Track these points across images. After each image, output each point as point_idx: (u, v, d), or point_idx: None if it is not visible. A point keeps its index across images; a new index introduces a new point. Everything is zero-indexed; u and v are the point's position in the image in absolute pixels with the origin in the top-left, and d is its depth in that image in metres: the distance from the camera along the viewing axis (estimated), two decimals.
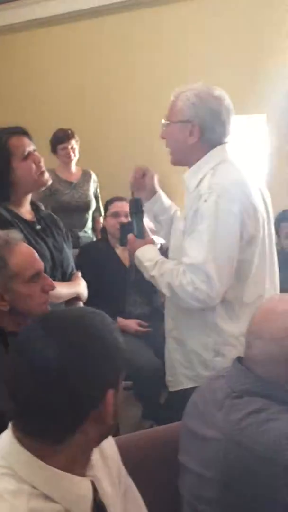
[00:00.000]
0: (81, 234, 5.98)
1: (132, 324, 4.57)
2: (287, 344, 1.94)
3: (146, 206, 3.27)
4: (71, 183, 6.07)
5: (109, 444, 1.80)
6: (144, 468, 2.18)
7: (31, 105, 8.39)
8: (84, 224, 6.05)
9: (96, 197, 6.14)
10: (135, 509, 1.84)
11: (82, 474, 1.58)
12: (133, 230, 3.15)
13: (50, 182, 3.13)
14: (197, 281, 2.76)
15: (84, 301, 3.34)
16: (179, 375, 3.02)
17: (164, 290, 2.89)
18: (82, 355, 1.50)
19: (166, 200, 3.32)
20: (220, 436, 1.94)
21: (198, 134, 2.87)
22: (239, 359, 2.05)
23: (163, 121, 2.97)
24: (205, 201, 2.77)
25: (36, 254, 2.60)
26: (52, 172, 6.10)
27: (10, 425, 1.57)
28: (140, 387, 4.15)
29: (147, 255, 3.00)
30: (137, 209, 3.16)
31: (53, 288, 2.59)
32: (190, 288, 2.77)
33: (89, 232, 6.07)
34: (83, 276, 4.70)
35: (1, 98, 8.91)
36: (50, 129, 6.30)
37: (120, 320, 4.61)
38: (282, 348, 1.94)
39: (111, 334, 1.58)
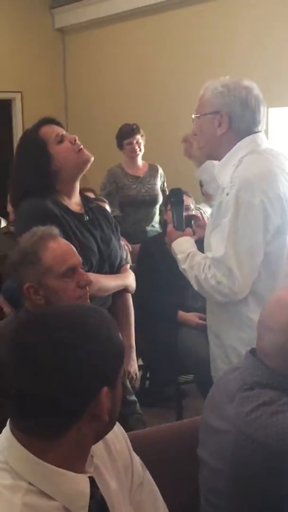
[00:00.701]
0: (148, 228, 5.99)
1: (192, 317, 4.55)
2: None
3: (198, 174, 3.21)
4: (137, 177, 6.08)
5: (117, 438, 1.79)
6: (165, 462, 2.17)
7: (100, 100, 8.47)
8: (151, 218, 6.05)
9: (163, 191, 6.13)
10: (151, 501, 1.83)
11: (81, 471, 1.57)
12: (173, 222, 3.12)
13: (92, 158, 3.02)
14: (218, 275, 2.74)
15: (132, 292, 3.33)
16: (220, 370, 2.98)
17: (193, 283, 2.88)
18: (75, 352, 1.49)
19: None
20: (231, 428, 1.91)
21: (227, 123, 2.83)
22: (252, 351, 2.01)
23: (193, 115, 2.95)
24: (227, 194, 2.76)
25: (73, 249, 2.61)
26: (119, 167, 6.14)
27: (9, 420, 1.59)
28: (201, 379, 4.12)
29: (181, 247, 2.98)
30: (176, 200, 3.14)
31: (89, 283, 2.59)
32: (213, 282, 2.76)
33: (157, 226, 6.06)
34: (143, 270, 4.74)
35: (72, 95, 9.04)
36: (117, 124, 6.34)
37: (181, 313, 4.60)
38: None
39: (107, 332, 1.56)
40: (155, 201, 6.06)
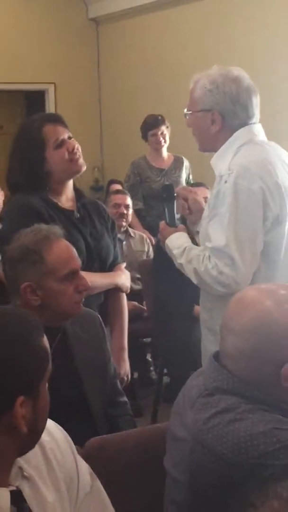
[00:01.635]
0: None
1: None
2: (256, 338, 1.77)
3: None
4: (162, 170, 5.99)
5: (59, 448, 1.71)
6: (132, 470, 2.09)
7: (133, 91, 8.39)
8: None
9: (189, 184, 6.03)
10: (99, 511, 1.75)
11: (1, 484, 1.50)
12: (165, 218, 3.04)
13: (83, 168, 3.07)
14: (220, 265, 2.67)
15: (127, 292, 3.26)
16: None
17: (191, 277, 2.80)
18: None
19: None
20: (188, 436, 1.81)
21: (220, 121, 2.79)
22: (215, 354, 1.90)
23: (185, 110, 2.91)
24: (225, 182, 2.70)
25: (74, 252, 2.58)
26: (143, 159, 6.06)
27: None
28: None
29: (176, 243, 2.90)
30: (168, 196, 3.06)
31: (87, 288, 2.56)
32: (215, 273, 2.68)
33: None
34: (160, 265, 4.65)
35: (105, 85, 8.97)
36: (144, 114, 6.27)
37: (197, 308, 4.51)
38: (251, 343, 1.77)
39: (23, 338, 1.49)
40: None
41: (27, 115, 9.14)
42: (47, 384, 1.55)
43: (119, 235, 5.55)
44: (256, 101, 2.83)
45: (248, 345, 1.78)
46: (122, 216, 5.48)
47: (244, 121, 2.80)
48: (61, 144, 2.99)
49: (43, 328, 1.56)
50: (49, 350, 1.54)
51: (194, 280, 2.81)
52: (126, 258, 5.55)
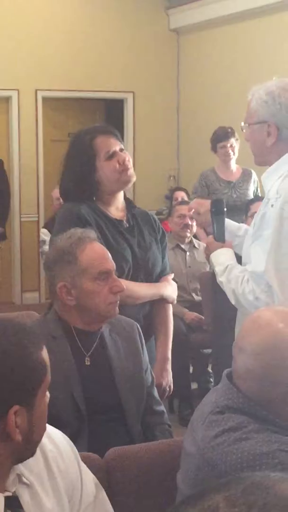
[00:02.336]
0: None
1: None
2: (266, 359, 1.79)
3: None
4: (229, 182, 5.99)
5: (62, 456, 1.74)
6: (147, 483, 2.12)
7: (211, 102, 8.40)
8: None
9: (257, 197, 6.00)
10: None
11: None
12: (213, 232, 3.05)
13: (133, 179, 3.11)
14: (258, 290, 2.63)
15: (173, 303, 3.28)
16: None
17: (230, 296, 2.78)
18: None
19: (232, 224, 3.16)
20: (196, 452, 1.84)
21: (275, 133, 2.73)
22: (229, 373, 1.92)
23: (242, 123, 2.89)
24: (272, 206, 2.65)
25: (108, 254, 2.65)
26: (212, 171, 6.08)
27: None
28: None
29: (219, 259, 2.89)
30: (217, 210, 3.05)
31: (121, 290, 2.62)
32: (251, 297, 2.65)
33: None
34: None
35: (184, 96, 9.01)
36: (215, 126, 6.29)
37: None
38: (261, 363, 1.79)
39: (18, 349, 1.53)
40: (247, 206, 5.94)
41: (107, 122, 9.30)
42: (47, 396, 1.59)
43: (183, 246, 5.62)
44: None
45: (258, 365, 1.79)
46: (187, 226, 5.52)
47: None
48: (112, 155, 3.04)
49: (43, 340, 1.61)
50: (47, 362, 1.57)
51: (232, 300, 2.78)
52: (190, 269, 5.60)
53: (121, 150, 3.09)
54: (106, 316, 2.63)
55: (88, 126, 3.26)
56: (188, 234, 5.53)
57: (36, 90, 8.47)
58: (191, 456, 1.87)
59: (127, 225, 3.13)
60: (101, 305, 2.57)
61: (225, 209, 3.08)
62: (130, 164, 3.08)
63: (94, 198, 3.08)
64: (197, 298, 5.57)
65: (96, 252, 2.61)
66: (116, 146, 3.08)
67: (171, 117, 9.02)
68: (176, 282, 3.36)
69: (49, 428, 1.67)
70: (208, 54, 8.54)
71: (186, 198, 6.37)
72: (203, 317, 5.39)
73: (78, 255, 2.56)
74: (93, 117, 9.12)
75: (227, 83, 8.18)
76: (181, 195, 6.64)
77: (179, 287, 5.67)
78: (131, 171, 3.08)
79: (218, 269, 2.86)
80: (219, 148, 6.00)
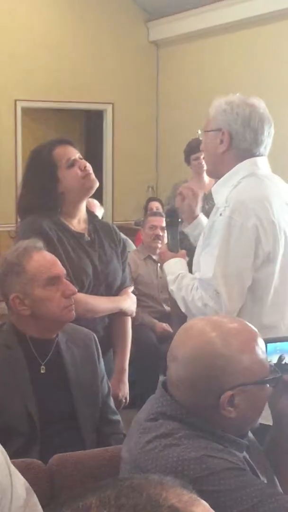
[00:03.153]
0: None
1: None
2: (197, 368, 1.82)
3: (188, 231, 3.19)
4: (202, 193, 6.03)
5: None
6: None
7: (191, 113, 8.46)
8: None
9: None
10: None
11: None
12: (167, 243, 3.09)
13: (96, 185, 3.11)
14: (206, 297, 2.66)
15: (132, 316, 3.31)
16: None
17: (180, 304, 2.81)
18: None
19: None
20: (129, 457, 1.87)
21: (228, 141, 2.77)
22: (163, 381, 1.95)
23: (199, 131, 2.94)
24: (220, 215, 2.68)
25: (56, 260, 2.67)
26: (185, 183, 6.11)
27: None
28: None
29: (171, 269, 2.92)
30: (172, 221, 3.09)
31: (74, 292, 2.65)
32: (200, 304, 2.68)
33: None
34: None
35: (163, 107, 9.08)
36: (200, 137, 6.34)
37: None
38: (193, 372, 1.82)
39: None
40: None
41: (86, 133, 9.36)
42: None
43: (154, 257, 5.65)
44: (269, 130, 2.80)
45: (189, 373, 1.82)
46: (158, 237, 5.56)
47: (251, 147, 2.77)
48: (72, 163, 3.06)
49: None
50: None
51: (182, 308, 2.81)
52: (161, 280, 5.63)
53: (80, 158, 3.12)
54: (62, 321, 2.65)
55: (44, 142, 3.25)
56: (159, 245, 5.57)
57: (15, 101, 8.51)
58: (125, 462, 1.90)
59: (89, 238, 3.15)
60: (56, 310, 2.60)
61: (180, 220, 3.12)
62: (91, 169, 3.10)
63: (60, 211, 3.08)
64: (168, 308, 5.60)
65: (43, 259, 2.63)
66: (75, 154, 3.10)
67: (150, 129, 9.09)
68: (136, 294, 3.39)
69: None
70: (187, 66, 8.62)
71: (160, 209, 6.41)
72: (171, 329, 5.42)
73: (25, 264, 2.59)
74: (72, 128, 9.18)
75: (206, 96, 8.20)
76: (155, 205, 6.68)
77: (150, 298, 5.74)
78: (93, 176, 3.09)
79: (169, 278, 2.90)
80: (193, 159, 6.03)
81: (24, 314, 2.59)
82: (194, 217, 3.17)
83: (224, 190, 2.76)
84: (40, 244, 2.71)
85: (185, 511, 0.87)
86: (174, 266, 2.93)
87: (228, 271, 2.64)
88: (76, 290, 2.68)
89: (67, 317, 2.64)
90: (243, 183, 2.73)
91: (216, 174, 2.89)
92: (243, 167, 2.77)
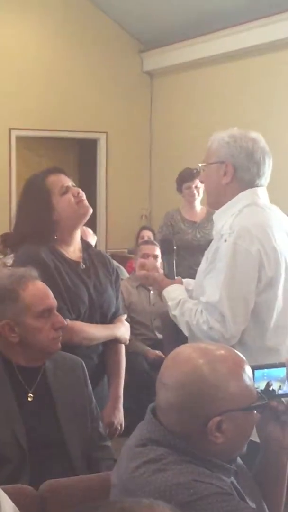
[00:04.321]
0: None
1: None
2: (185, 394, 1.85)
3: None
4: (194, 222, 6.09)
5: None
6: None
7: (184, 143, 8.55)
8: None
9: None
10: None
11: None
12: (164, 271, 3.14)
13: (90, 211, 3.13)
14: (211, 320, 2.73)
15: (126, 344, 3.34)
16: None
17: (184, 329, 2.87)
18: None
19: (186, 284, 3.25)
20: (118, 483, 1.89)
21: (231, 173, 2.86)
22: (152, 407, 1.98)
23: (200, 164, 3.00)
24: (225, 241, 2.77)
25: (49, 292, 2.70)
26: (177, 211, 6.18)
27: None
28: None
29: (171, 295, 2.98)
30: (167, 249, 3.16)
31: (63, 326, 2.68)
32: (205, 327, 2.75)
33: None
34: None
35: (157, 137, 9.16)
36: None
37: None
38: (181, 398, 1.85)
39: None
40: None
41: (80, 162, 9.43)
42: None
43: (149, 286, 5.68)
44: (269, 163, 2.91)
45: (177, 399, 1.86)
46: (144, 266, 5.60)
47: (254, 178, 2.87)
48: (66, 190, 3.08)
49: None
50: None
51: (186, 332, 2.87)
52: (153, 307, 5.66)
53: (73, 185, 3.15)
54: (49, 352, 2.69)
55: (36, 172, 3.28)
56: (148, 272, 5.59)
57: (10, 129, 8.59)
58: (114, 487, 1.93)
59: (84, 267, 3.17)
60: (44, 341, 2.63)
61: (174, 248, 3.18)
62: (84, 196, 3.13)
63: (55, 237, 3.10)
64: (160, 336, 5.62)
65: (38, 289, 2.66)
66: (68, 182, 3.13)
67: (144, 158, 9.16)
68: (128, 322, 3.43)
69: None
70: (180, 96, 8.72)
71: (152, 237, 6.46)
72: (164, 356, 5.44)
73: (20, 293, 2.61)
74: (66, 156, 9.25)
75: (199, 125, 8.33)
76: (147, 234, 6.74)
77: (142, 325, 5.76)
78: (86, 202, 3.12)
79: (171, 303, 2.94)
80: (184, 188, 6.11)
81: (12, 341, 2.63)
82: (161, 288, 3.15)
83: (225, 218, 2.86)
84: (35, 273, 2.73)
85: None
86: (174, 292, 2.99)
87: (234, 294, 2.72)
88: (65, 323, 2.71)
89: (54, 348, 2.68)
90: (245, 211, 2.82)
91: (217, 205, 2.97)
92: (245, 196, 2.86)
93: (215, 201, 2.98)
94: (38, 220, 3.08)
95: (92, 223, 7.90)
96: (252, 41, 7.62)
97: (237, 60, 7.87)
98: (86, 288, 3.12)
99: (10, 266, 5.25)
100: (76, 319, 3.02)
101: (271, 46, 7.40)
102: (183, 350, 1.95)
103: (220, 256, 2.76)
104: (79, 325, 3.02)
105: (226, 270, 2.72)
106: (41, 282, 2.71)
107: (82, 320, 3.07)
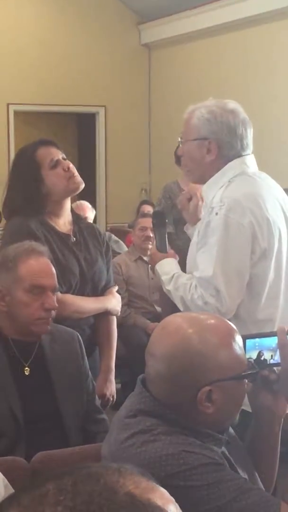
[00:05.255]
0: None
1: None
2: (175, 364, 1.83)
3: (189, 232, 3.20)
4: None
5: None
6: None
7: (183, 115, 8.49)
8: None
9: None
10: None
11: None
12: (156, 244, 3.11)
13: (82, 186, 3.11)
14: (206, 295, 2.68)
15: (117, 315, 3.33)
16: None
17: (178, 304, 2.82)
18: None
19: None
20: (108, 454, 1.88)
21: (215, 151, 2.81)
22: (142, 378, 1.97)
23: (179, 139, 2.95)
24: (216, 214, 2.71)
25: (51, 271, 2.68)
26: (175, 184, 6.12)
27: None
28: None
29: (164, 269, 2.93)
30: (159, 222, 3.11)
31: (53, 308, 2.65)
32: (200, 303, 2.70)
33: None
34: None
35: (155, 110, 9.10)
36: None
37: None
38: (170, 368, 1.83)
39: None
40: None
41: (79, 136, 9.38)
42: None
43: (145, 258, 5.67)
44: (250, 133, 2.85)
45: (167, 369, 1.84)
46: (148, 239, 5.58)
47: (239, 152, 2.82)
48: (56, 164, 3.06)
49: None
50: None
51: (180, 307, 2.81)
52: (152, 281, 5.64)
53: (64, 159, 3.13)
54: (33, 331, 2.65)
55: (28, 143, 3.25)
56: (150, 246, 5.59)
57: (8, 104, 8.54)
58: (104, 458, 1.92)
59: (74, 239, 3.16)
60: (29, 317, 2.61)
61: (166, 221, 3.14)
62: (75, 170, 3.10)
63: (46, 211, 3.08)
64: (159, 309, 5.61)
65: (37, 265, 2.64)
66: (58, 155, 3.10)
67: (143, 131, 9.11)
68: (120, 295, 3.41)
69: None
70: (179, 68, 8.65)
71: (151, 211, 6.41)
72: None
73: (18, 264, 2.61)
74: (64, 131, 9.20)
75: (198, 98, 8.22)
76: (147, 208, 6.70)
77: (141, 299, 5.75)
78: (78, 178, 3.10)
79: (164, 278, 2.90)
80: (179, 156, 6.05)
81: (2, 310, 2.63)
82: (198, 219, 3.18)
83: (215, 189, 2.80)
84: (43, 248, 2.72)
85: (142, 498, 0.88)
86: (167, 266, 2.94)
87: (228, 269, 2.68)
88: (56, 305, 2.67)
89: (39, 328, 2.64)
90: (235, 182, 2.77)
91: (202, 181, 2.90)
92: (233, 166, 2.81)
93: (199, 178, 2.90)
94: (27, 192, 3.06)
95: (91, 197, 7.88)
96: (250, 11, 7.55)
97: (235, 31, 7.80)
98: (76, 261, 3.11)
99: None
100: (67, 292, 3.01)
101: (269, 16, 7.32)
102: (173, 319, 1.93)
103: (212, 229, 2.71)
104: (70, 298, 3.01)
105: (218, 244, 2.67)
106: (45, 259, 2.69)
107: (73, 293, 3.06)
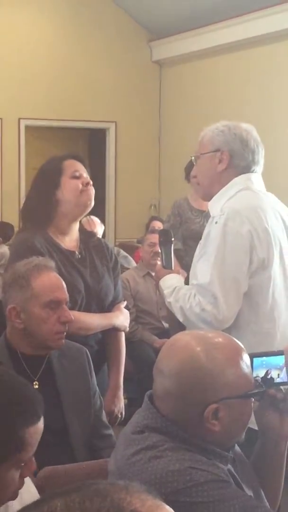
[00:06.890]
0: None
1: None
2: (182, 381, 1.85)
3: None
4: (202, 211, 6.04)
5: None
6: None
7: (193, 133, 8.52)
8: None
9: None
10: None
11: None
12: (162, 260, 3.14)
13: (92, 202, 3.14)
14: (204, 302, 2.71)
15: (125, 331, 3.34)
16: None
17: (178, 315, 2.85)
18: None
19: None
20: (115, 469, 1.90)
21: (227, 160, 2.86)
22: (150, 394, 1.98)
23: (192, 157, 3.01)
24: (216, 223, 2.76)
25: (63, 285, 2.70)
26: (185, 200, 6.15)
27: None
28: None
29: (167, 283, 2.97)
30: (165, 240, 3.15)
31: (70, 321, 2.68)
32: (198, 310, 2.72)
33: None
34: None
35: (166, 127, 9.14)
36: None
37: None
38: (178, 385, 1.85)
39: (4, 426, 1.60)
40: None
41: (89, 152, 9.43)
42: (15, 476, 1.64)
43: (153, 274, 5.67)
44: (262, 153, 2.91)
45: (174, 386, 1.86)
46: (157, 255, 5.58)
47: (249, 164, 2.87)
48: (78, 176, 3.10)
49: (36, 418, 1.69)
50: (30, 442, 1.68)
51: (180, 318, 2.85)
52: (160, 296, 5.65)
53: (86, 177, 3.14)
54: (51, 346, 2.68)
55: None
56: (159, 262, 5.60)
57: (19, 119, 8.59)
58: (111, 474, 1.93)
59: (79, 256, 3.17)
60: (47, 333, 2.64)
61: (173, 239, 3.18)
62: (92, 189, 3.13)
63: (53, 219, 3.10)
64: (166, 325, 5.62)
65: (50, 280, 2.66)
66: (83, 171, 3.14)
67: (153, 147, 9.15)
68: (129, 310, 3.42)
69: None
70: (189, 86, 8.69)
71: (161, 227, 6.43)
72: None
73: (31, 281, 2.62)
74: (75, 146, 9.25)
75: (208, 115, 8.29)
76: (157, 224, 6.72)
77: (149, 314, 5.77)
78: (91, 194, 3.12)
79: (166, 291, 2.93)
80: (192, 177, 6.07)
81: (17, 328, 2.64)
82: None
83: (219, 202, 2.84)
84: (52, 263, 2.75)
85: None
86: (169, 281, 2.98)
87: (225, 275, 2.70)
88: (72, 318, 2.70)
89: (56, 343, 2.68)
90: (238, 195, 2.83)
91: (211, 196, 2.94)
92: (238, 181, 2.86)
93: (209, 192, 2.95)
94: (43, 195, 3.10)
95: (101, 213, 7.91)
96: (260, 30, 7.59)
97: (246, 49, 7.84)
98: (81, 277, 3.12)
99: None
100: (73, 308, 3.02)
101: (281, 35, 7.36)
102: (181, 337, 1.95)
103: (211, 239, 2.75)
104: (76, 314, 3.01)
105: (216, 251, 2.70)
106: (55, 273, 2.72)
107: (79, 309, 3.07)
